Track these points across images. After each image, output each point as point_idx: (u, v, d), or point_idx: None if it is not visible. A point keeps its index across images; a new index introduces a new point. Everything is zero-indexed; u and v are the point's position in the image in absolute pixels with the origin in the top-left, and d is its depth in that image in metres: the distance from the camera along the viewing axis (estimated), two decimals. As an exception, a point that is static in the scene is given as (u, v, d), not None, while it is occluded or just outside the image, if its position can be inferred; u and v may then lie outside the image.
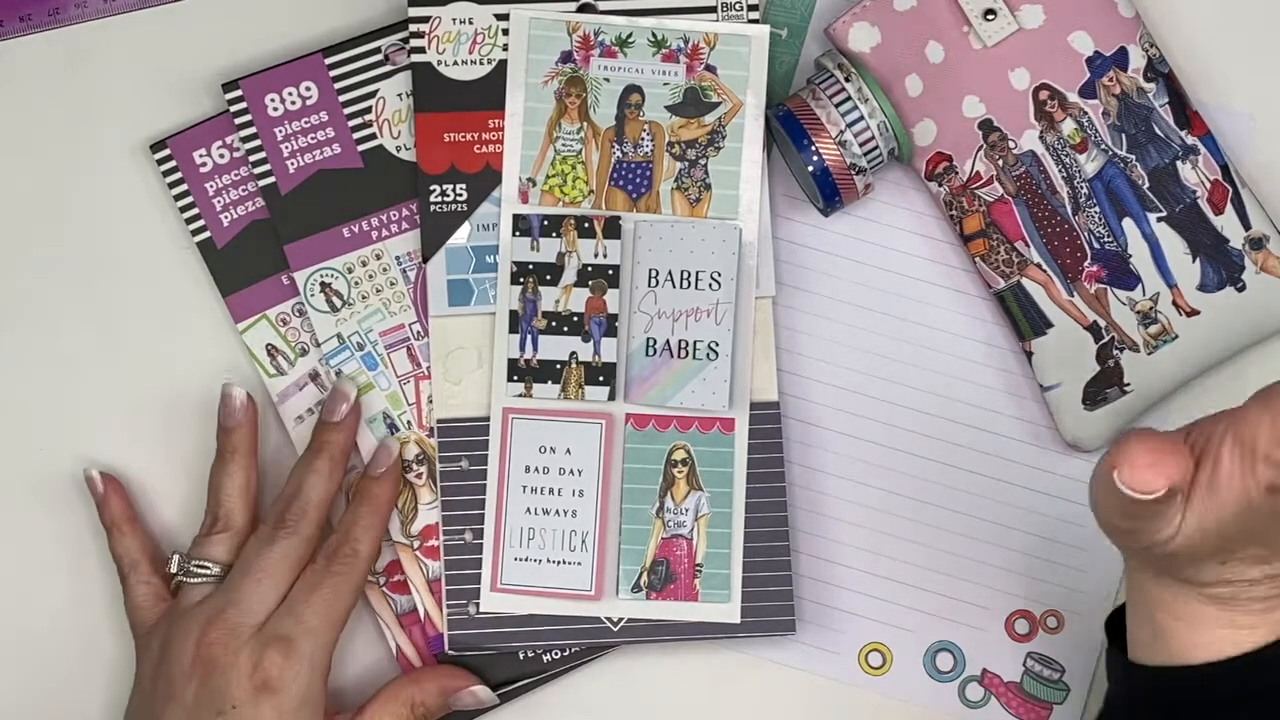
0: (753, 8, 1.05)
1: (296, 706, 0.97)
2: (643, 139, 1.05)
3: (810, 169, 1.02)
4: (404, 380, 1.05)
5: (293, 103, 1.06)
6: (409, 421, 1.05)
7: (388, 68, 1.06)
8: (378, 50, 1.06)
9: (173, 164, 1.07)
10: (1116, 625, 0.93)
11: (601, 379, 1.03)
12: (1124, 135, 1.03)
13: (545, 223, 1.04)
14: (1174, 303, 1.04)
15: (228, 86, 1.06)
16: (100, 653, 1.06)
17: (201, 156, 1.07)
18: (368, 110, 1.06)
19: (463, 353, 1.05)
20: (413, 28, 1.05)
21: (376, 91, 1.06)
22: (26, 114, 1.08)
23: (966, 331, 1.07)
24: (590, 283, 1.04)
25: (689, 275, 1.04)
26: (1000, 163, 1.03)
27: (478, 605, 1.03)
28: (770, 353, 1.05)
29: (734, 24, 1.05)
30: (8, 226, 1.08)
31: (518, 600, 1.03)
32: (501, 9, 1.05)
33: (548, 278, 1.04)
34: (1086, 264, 1.03)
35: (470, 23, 1.05)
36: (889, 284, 1.07)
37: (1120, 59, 1.03)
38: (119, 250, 1.08)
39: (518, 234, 1.04)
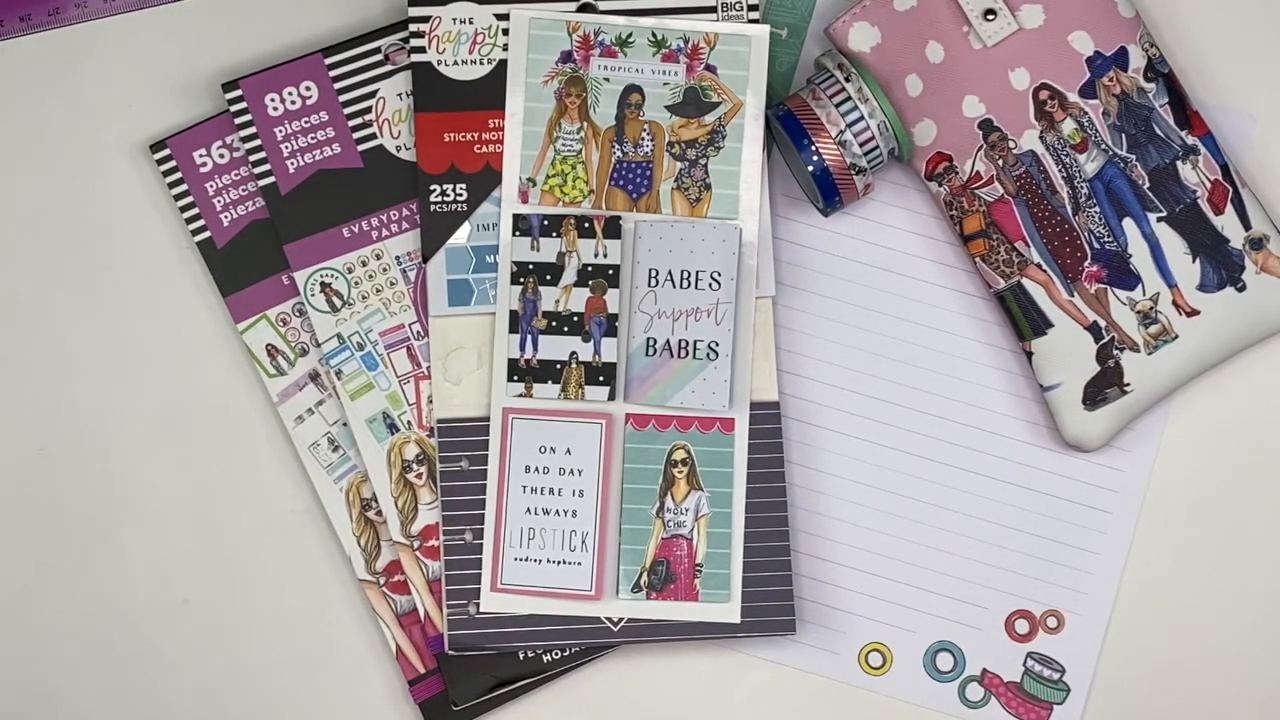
0: (753, 8, 1.05)
1: None
2: (643, 139, 1.05)
3: (810, 169, 1.02)
4: (404, 380, 1.05)
5: (293, 103, 1.06)
6: (409, 421, 1.05)
7: (388, 68, 1.06)
8: (378, 50, 1.06)
9: (173, 164, 1.07)
10: None
11: (601, 379, 1.03)
12: (1124, 135, 1.03)
13: (545, 223, 1.04)
14: (1174, 303, 1.04)
15: (228, 86, 1.06)
16: (101, 651, 1.06)
17: (201, 156, 1.07)
18: (368, 110, 1.06)
19: (463, 353, 1.05)
20: (413, 28, 1.05)
21: (376, 91, 1.06)
22: (26, 114, 1.08)
23: (966, 331, 1.07)
24: (590, 283, 1.04)
25: (689, 275, 1.04)
26: (1000, 163, 1.03)
27: (478, 605, 1.03)
28: (770, 353, 1.05)
29: (734, 24, 1.05)
30: (8, 226, 1.08)
31: (518, 600, 1.03)
32: (501, 9, 1.05)
33: (548, 278, 1.04)
34: (1086, 264, 1.03)
35: (470, 23, 1.05)
36: (889, 284, 1.07)
37: (1120, 59, 1.03)
38: (119, 250, 1.08)
39: (518, 234, 1.04)
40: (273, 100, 1.06)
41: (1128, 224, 1.03)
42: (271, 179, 1.06)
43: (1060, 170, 1.03)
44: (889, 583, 1.06)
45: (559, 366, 1.04)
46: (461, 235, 1.05)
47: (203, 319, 1.08)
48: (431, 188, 1.05)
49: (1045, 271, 1.03)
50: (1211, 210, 1.04)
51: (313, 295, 1.05)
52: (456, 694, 1.04)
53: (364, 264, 1.06)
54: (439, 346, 1.05)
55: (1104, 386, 1.04)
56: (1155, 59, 1.04)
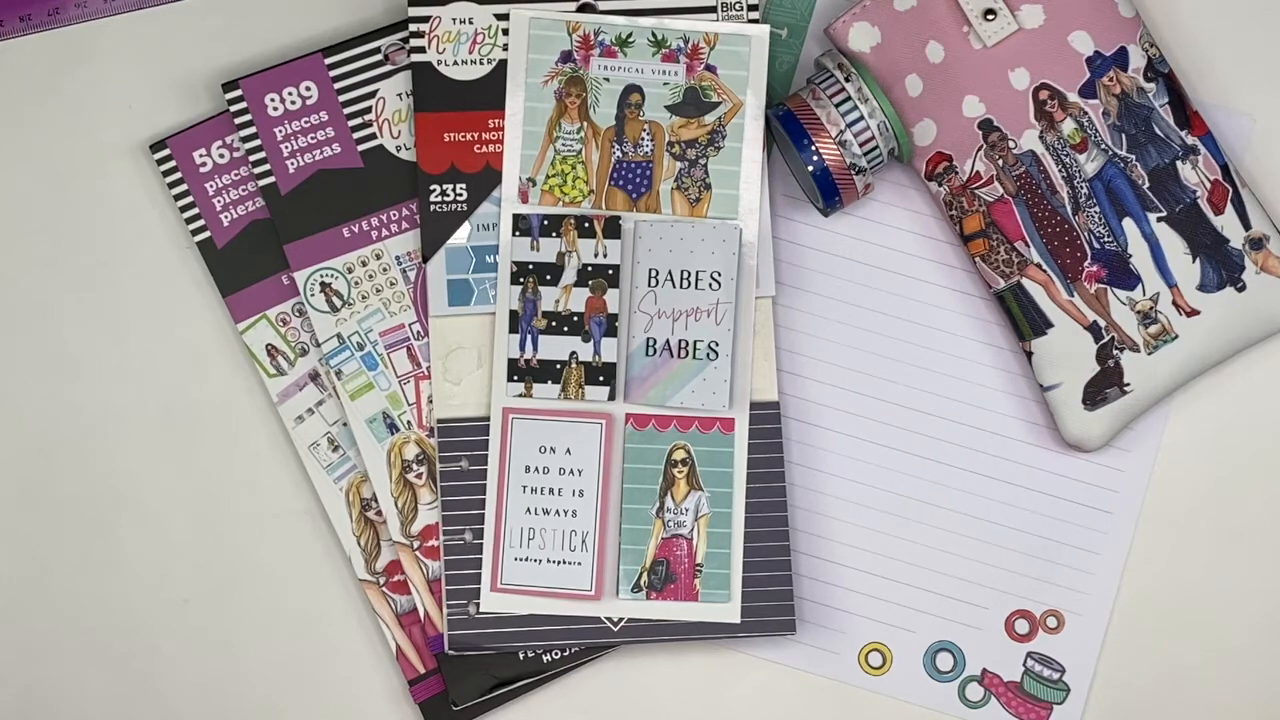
0: (753, 8, 1.05)
1: None
2: (643, 139, 1.05)
3: (810, 169, 1.02)
4: (404, 380, 1.05)
5: (293, 103, 1.06)
6: (409, 421, 1.05)
7: (388, 68, 1.06)
8: (378, 50, 1.06)
9: (173, 164, 1.07)
10: None
11: (601, 379, 1.03)
12: (1124, 135, 1.03)
13: (545, 222, 1.04)
14: (1174, 303, 1.04)
15: (228, 86, 1.06)
16: (101, 651, 1.07)
17: (201, 156, 1.07)
18: (368, 110, 1.06)
19: (463, 353, 1.05)
20: (413, 27, 1.05)
21: (376, 91, 1.06)
22: (27, 114, 1.08)
23: (966, 331, 1.07)
24: (590, 282, 1.04)
25: (689, 275, 1.04)
26: (1000, 163, 1.03)
27: (478, 605, 1.03)
28: (770, 353, 1.05)
29: (734, 24, 1.05)
30: (8, 226, 1.08)
31: (518, 600, 1.03)
32: (501, 9, 1.05)
33: (548, 278, 1.04)
34: (1086, 264, 1.03)
35: (470, 23, 1.05)
36: (889, 284, 1.07)
37: (1120, 59, 1.03)
38: (119, 250, 1.08)
39: (518, 234, 1.04)
40: (273, 100, 1.06)
41: (1128, 224, 1.03)
42: (271, 179, 1.06)
43: (1060, 170, 1.03)
44: (889, 583, 1.06)
45: (559, 366, 1.04)
46: (461, 235, 1.05)
47: (203, 319, 1.08)
48: (431, 188, 1.05)
49: (1045, 271, 1.03)
50: (1211, 210, 1.04)
51: (313, 295, 1.05)
52: (456, 694, 1.04)
53: (364, 264, 1.06)
54: (439, 346, 1.05)
55: (1104, 386, 1.04)
56: (1155, 59, 1.04)
